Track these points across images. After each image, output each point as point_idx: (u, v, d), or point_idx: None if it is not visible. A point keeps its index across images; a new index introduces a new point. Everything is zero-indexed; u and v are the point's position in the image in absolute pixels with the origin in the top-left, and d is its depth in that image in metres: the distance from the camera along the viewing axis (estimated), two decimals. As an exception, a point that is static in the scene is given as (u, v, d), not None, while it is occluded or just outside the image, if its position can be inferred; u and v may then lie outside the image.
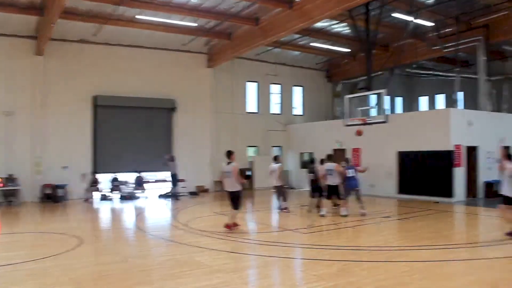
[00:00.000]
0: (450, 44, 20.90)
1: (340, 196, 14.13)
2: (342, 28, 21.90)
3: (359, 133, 18.23)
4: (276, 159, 15.95)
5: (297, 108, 28.23)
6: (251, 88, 26.42)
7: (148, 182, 21.14)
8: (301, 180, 25.00)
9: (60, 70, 20.52)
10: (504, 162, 10.24)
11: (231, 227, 11.46)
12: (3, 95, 19.44)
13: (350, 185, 14.30)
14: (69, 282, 7.19)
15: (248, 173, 24.16)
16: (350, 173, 14.32)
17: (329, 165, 14.14)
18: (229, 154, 11.56)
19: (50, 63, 20.29)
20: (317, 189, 14.40)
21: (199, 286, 6.90)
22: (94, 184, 20.30)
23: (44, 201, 19.45)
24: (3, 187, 18.71)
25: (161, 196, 21.10)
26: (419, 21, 19.76)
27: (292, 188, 24.14)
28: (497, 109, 22.73)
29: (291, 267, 8.32)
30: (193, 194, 22.16)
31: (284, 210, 15.18)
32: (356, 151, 21.71)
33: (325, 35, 22.44)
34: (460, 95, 23.49)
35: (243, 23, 19.96)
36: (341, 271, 7.59)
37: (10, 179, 18.94)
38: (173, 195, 20.53)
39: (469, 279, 7.22)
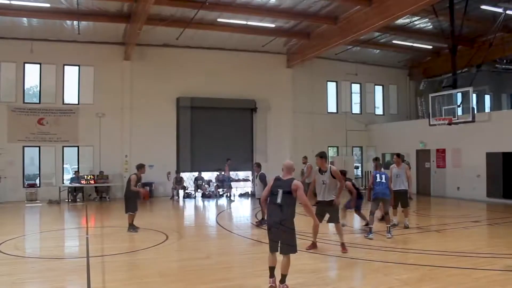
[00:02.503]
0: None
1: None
2: (424, 24, 21.06)
3: None
4: (403, 159, 13.41)
5: (378, 107, 27.58)
6: (331, 88, 26.16)
7: (230, 181, 21.61)
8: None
9: (146, 74, 21.60)
10: None
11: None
12: (96, 98, 20.87)
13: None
14: (157, 275, 7.58)
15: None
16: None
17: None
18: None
19: (136, 67, 21.44)
20: None
21: (279, 285, 6.97)
22: (178, 182, 21.11)
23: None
24: (95, 183, 20.00)
25: (241, 195, 21.53)
26: (511, 13, 18.53)
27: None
28: None
29: (373, 270, 8.15)
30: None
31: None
32: (440, 151, 20.83)
33: (407, 32, 21.68)
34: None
35: (322, 22, 19.84)
36: (425, 277, 7.34)
37: (101, 177, 20.23)
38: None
39: None
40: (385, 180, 10.99)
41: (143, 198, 17.14)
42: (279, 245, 6.54)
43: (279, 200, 6.50)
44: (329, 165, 9.64)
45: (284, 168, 6.85)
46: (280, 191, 6.52)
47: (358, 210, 12.27)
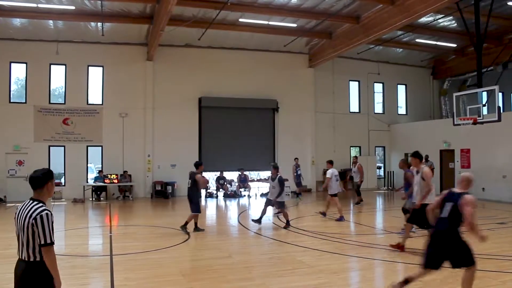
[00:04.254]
0: None
1: None
2: (448, 22, 20.75)
3: None
4: (426, 159, 13.49)
5: (401, 107, 27.27)
6: (353, 88, 25.99)
7: (251, 180, 21.65)
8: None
9: (168, 74, 21.81)
10: None
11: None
12: (119, 98, 21.15)
13: None
14: (179, 274, 7.65)
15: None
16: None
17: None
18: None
19: (159, 68, 21.67)
20: None
21: (300, 285, 6.98)
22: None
23: (155, 197, 20.79)
24: (118, 183, 20.27)
25: (263, 195, 21.53)
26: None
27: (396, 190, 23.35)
28: None
29: (395, 271, 8.08)
30: (295, 194, 22.29)
31: None
32: (465, 151, 20.50)
33: (430, 30, 21.36)
34: None
35: (344, 21, 19.74)
36: (448, 279, 7.24)
37: (124, 176, 20.50)
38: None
39: None
40: None
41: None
42: (444, 260, 5.97)
43: (446, 214, 5.97)
44: (422, 165, 9.30)
45: (461, 181, 6.19)
46: (450, 205, 5.95)
47: None
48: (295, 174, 19.97)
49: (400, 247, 9.15)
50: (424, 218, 7.44)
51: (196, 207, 11.80)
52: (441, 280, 7.14)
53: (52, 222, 3.83)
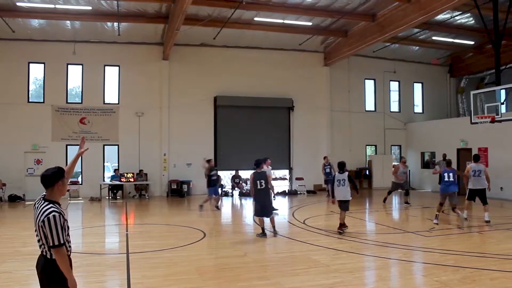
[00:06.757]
0: None
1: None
2: (465, 19, 20.48)
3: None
4: (476, 158, 13.27)
5: (418, 105, 27.02)
6: (369, 86, 25.82)
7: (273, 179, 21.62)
8: (422, 180, 24.03)
9: (184, 73, 21.92)
10: None
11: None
12: (135, 97, 21.32)
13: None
14: (194, 272, 7.68)
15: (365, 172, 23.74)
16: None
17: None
18: (342, 166, 11.44)
19: (174, 67, 21.78)
20: None
21: (315, 285, 6.95)
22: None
23: (170, 195, 20.91)
24: (134, 181, 20.43)
25: (278, 193, 21.53)
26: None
27: (412, 189, 23.16)
28: None
29: (411, 270, 8.02)
30: (310, 192, 22.30)
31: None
32: (482, 150, 20.22)
33: (447, 27, 21.11)
34: None
35: (360, 19, 19.62)
36: (467, 279, 7.15)
37: (140, 175, 20.65)
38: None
39: None
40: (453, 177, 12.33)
41: None
42: None
43: None
44: None
45: None
46: None
47: None
48: (324, 171, 20.14)
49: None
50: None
51: (269, 210, 11.28)
52: (458, 280, 7.06)
53: (62, 223, 3.80)
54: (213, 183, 16.20)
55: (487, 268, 7.82)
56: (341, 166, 11.44)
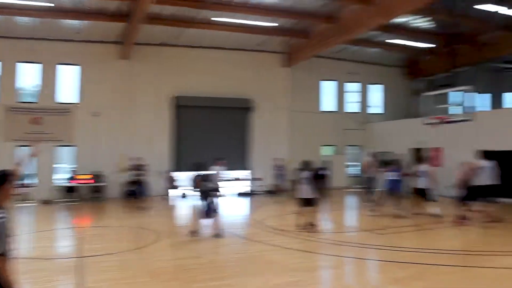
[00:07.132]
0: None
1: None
2: (422, 23, 20.94)
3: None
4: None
5: (374, 106, 27.45)
6: (329, 87, 26.06)
7: (225, 180, 21.45)
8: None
9: (144, 73, 21.52)
10: None
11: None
12: (91, 97, 20.70)
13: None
14: (148, 275, 7.52)
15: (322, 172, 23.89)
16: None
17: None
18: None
19: (134, 66, 21.33)
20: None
21: (272, 284, 6.91)
22: (171, 182, 20.93)
23: (127, 197, 20.36)
24: (90, 183, 19.84)
25: (240, 194, 21.55)
26: (510, 12, 18.37)
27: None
28: None
29: (366, 268, 8.11)
30: (269, 193, 22.28)
31: None
32: (436, 150, 20.74)
33: (405, 30, 21.52)
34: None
35: (321, 21, 19.73)
36: (418, 275, 7.27)
37: (96, 176, 20.09)
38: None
39: None
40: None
41: None
42: None
43: None
44: None
45: None
46: None
47: None
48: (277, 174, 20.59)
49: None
50: None
51: (214, 211, 11.50)
52: (410, 276, 7.17)
53: (2, 230, 3.62)
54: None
55: (437, 263, 7.99)
56: (306, 165, 11.70)
